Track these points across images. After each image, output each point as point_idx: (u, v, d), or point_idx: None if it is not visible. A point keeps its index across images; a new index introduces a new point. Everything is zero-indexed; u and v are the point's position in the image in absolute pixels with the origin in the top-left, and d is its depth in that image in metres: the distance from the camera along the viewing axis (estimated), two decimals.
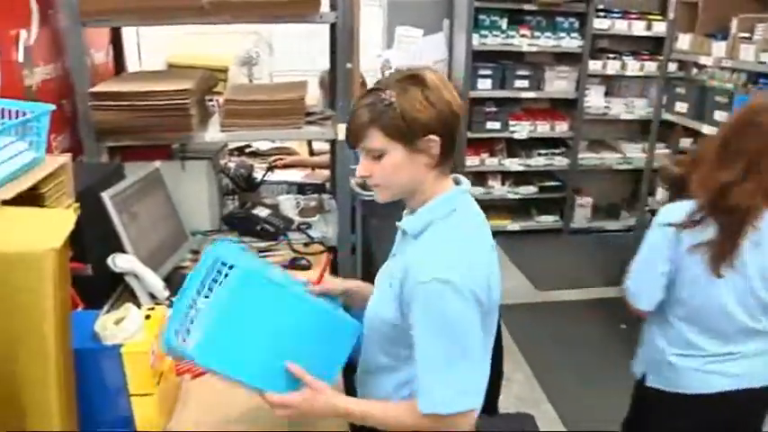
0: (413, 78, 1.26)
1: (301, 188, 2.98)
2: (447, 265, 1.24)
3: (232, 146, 3.37)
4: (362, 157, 1.33)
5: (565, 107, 5.04)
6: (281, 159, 3.42)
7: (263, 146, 3.56)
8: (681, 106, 3.52)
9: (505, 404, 1.59)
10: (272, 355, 1.32)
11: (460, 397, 1.26)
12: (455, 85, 4.42)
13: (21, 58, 2.00)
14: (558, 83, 4.84)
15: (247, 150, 3.53)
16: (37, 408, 1.22)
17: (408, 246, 1.35)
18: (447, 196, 1.33)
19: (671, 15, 3.75)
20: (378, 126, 1.25)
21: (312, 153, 3.69)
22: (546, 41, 4.70)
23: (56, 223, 1.26)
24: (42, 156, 1.57)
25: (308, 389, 1.31)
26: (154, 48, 3.60)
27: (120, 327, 1.33)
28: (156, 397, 1.38)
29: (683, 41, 3.46)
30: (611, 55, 4.86)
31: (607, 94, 5.06)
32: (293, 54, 4.30)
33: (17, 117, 1.56)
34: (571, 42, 4.71)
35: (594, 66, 4.80)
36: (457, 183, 1.39)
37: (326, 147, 3.64)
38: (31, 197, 1.44)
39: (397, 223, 1.41)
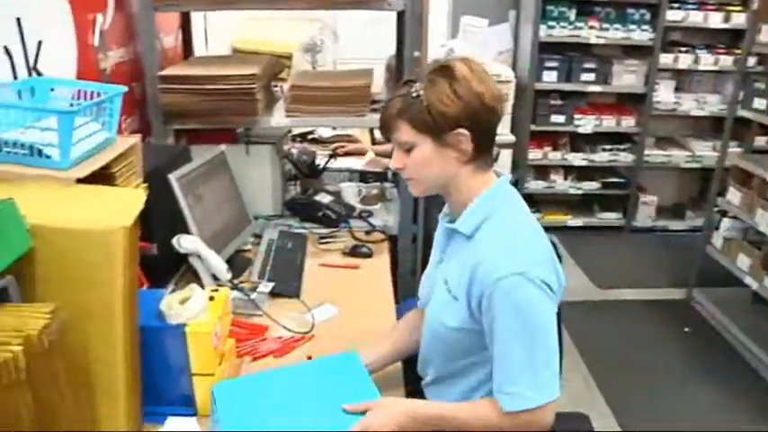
0: (442, 70, 1.24)
1: (363, 176, 2.97)
2: (516, 258, 1.22)
3: (295, 132, 3.40)
4: (395, 150, 1.32)
5: (632, 102, 4.88)
6: (343, 147, 3.43)
7: (326, 133, 3.58)
8: (759, 102, 3.36)
9: (561, 402, 1.56)
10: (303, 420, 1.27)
11: (545, 389, 1.23)
12: (520, 77, 4.41)
13: (96, 42, 2.05)
14: (627, 77, 4.69)
15: (310, 137, 3.55)
16: (104, 382, 1.25)
17: (462, 248, 1.33)
18: (493, 190, 1.31)
19: (754, 5, 3.56)
20: (406, 119, 1.25)
21: (374, 141, 3.68)
22: (615, 33, 4.56)
23: (126, 202, 1.29)
24: (114, 136, 1.61)
25: (371, 410, 1.25)
26: (220, 33, 3.64)
27: (184, 306, 1.35)
28: (218, 377, 1.39)
29: (766, 33, 3.29)
30: (683, 48, 4.68)
31: (677, 89, 4.87)
32: (358, 41, 4.29)
33: (92, 98, 1.60)
34: (642, 35, 4.56)
35: (665, 59, 4.63)
36: (498, 175, 1.36)
37: None
38: (102, 176, 1.47)
39: (446, 225, 1.39)
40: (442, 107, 1.21)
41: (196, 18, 3.06)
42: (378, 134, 3.78)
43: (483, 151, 1.28)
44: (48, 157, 1.39)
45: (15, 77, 1.59)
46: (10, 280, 1.16)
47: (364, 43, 4.22)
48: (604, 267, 4.45)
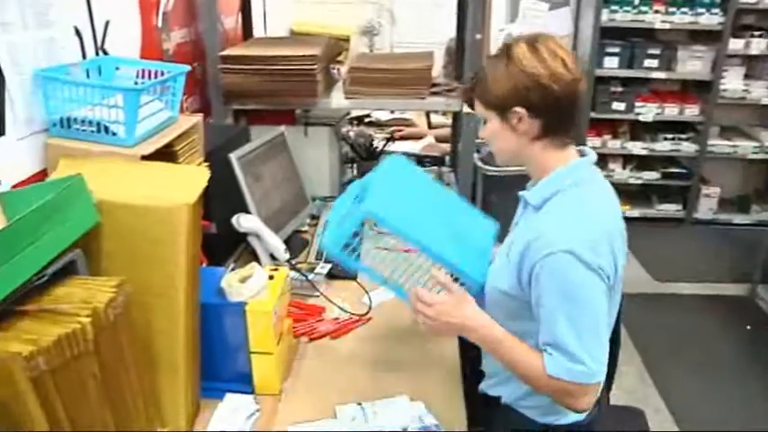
0: (503, 50, 1.28)
1: (420, 160, 2.95)
2: (571, 237, 1.21)
3: (352, 114, 3.39)
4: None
5: (697, 89, 4.71)
6: (400, 130, 3.41)
7: (383, 116, 3.56)
8: None
9: (614, 396, 1.51)
10: (436, 223, 1.44)
11: (587, 368, 1.21)
12: (579, 63, 4.31)
13: (159, 23, 2.08)
14: (692, 63, 4.52)
15: (366, 120, 3.55)
16: (166, 356, 1.27)
17: (530, 218, 1.34)
18: (569, 168, 1.31)
19: None
20: (476, 95, 1.33)
21: (430, 125, 3.65)
22: (681, 18, 4.39)
23: (190, 180, 1.30)
24: (176, 115, 1.63)
25: (454, 295, 1.33)
26: (277, 16, 3.66)
27: (245, 285, 1.36)
28: (275, 356, 1.40)
29: None
30: (756, 32, 4.44)
31: (747, 76, 4.64)
32: (415, 24, 4.25)
33: (155, 77, 1.62)
34: (710, 19, 4.37)
35: (735, 45, 4.42)
36: (582, 155, 1.35)
37: (444, 120, 3.60)
38: (165, 154, 1.49)
39: (519, 193, 1.40)
40: (495, 87, 1.27)
41: (255, 1, 3.07)
42: (434, 118, 3.74)
43: (553, 129, 1.29)
44: (114, 134, 1.42)
45: (84, 57, 1.62)
46: (78, 253, 1.18)
47: (422, 27, 4.18)
48: (663, 260, 4.33)
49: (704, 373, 3.17)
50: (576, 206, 1.27)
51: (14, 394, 0.96)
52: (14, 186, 1.35)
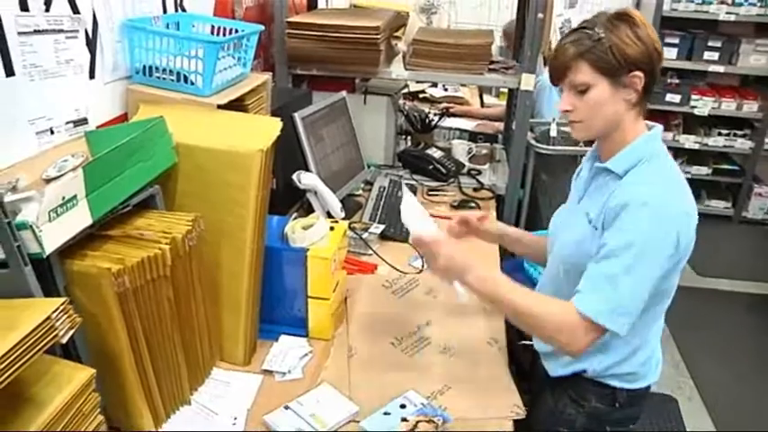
0: (622, 16, 1.26)
1: (473, 136, 2.99)
2: (652, 192, 1.23)
3: (406, 90, 3.42)
4: (566, 92, 1.33)
5: (759, 85, 4.61)
6: (452, 107, 3.44)
7: (436, 93, 3.60)
8: None
9: None
10: None
11: (615, 313, 1.22)
12: None
13: None
14: (756, 57, 4.42)
15: (421, 96, 3.59)
16: (230, 292, 1.35)
17: (608, 185, 1.34)
18: (650, 136, 1.32)
19: None
20: (585, 59, 1.26)
21: (483, 104, 3.67)
22: (749, 10, 4.28)
23: (263, 129, 1.37)
24: (247, 71, 1.71)
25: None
26: None
27: (308, 232, 1.43)
28: (330, 303, 1.47)
29: None
30: None
31: None
32: (473, 5, 4.26)
33: (229, 34, 1.70)
34: None
35: None
36: (649, 128, 1.36)
37: (496, 101, 3.62)
38: (235, 107, 1.57)
39: (596, 164, 1.39)
40: (625, 48, 1.24)
41: None
42: (487, 99, 3.77)
43: (645, 98, 1.31)
44: (192, 83, 1.50)
45: (165, 11, 1.70)
46: (157, 189, 1.27)
47: (481, 7, 4.18)
48: (707, 256, 4.26)
49: (742, 370, 3.15)
50: (660, 173, 1.29)
51: (102, 307, 1.06)
52: (98, 127, 1.44)
